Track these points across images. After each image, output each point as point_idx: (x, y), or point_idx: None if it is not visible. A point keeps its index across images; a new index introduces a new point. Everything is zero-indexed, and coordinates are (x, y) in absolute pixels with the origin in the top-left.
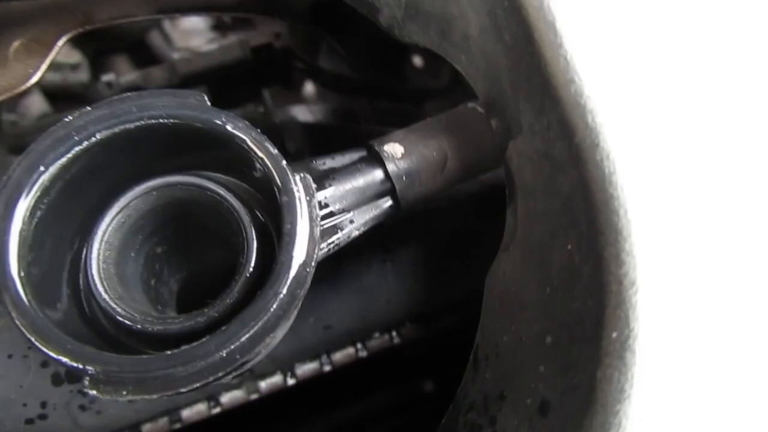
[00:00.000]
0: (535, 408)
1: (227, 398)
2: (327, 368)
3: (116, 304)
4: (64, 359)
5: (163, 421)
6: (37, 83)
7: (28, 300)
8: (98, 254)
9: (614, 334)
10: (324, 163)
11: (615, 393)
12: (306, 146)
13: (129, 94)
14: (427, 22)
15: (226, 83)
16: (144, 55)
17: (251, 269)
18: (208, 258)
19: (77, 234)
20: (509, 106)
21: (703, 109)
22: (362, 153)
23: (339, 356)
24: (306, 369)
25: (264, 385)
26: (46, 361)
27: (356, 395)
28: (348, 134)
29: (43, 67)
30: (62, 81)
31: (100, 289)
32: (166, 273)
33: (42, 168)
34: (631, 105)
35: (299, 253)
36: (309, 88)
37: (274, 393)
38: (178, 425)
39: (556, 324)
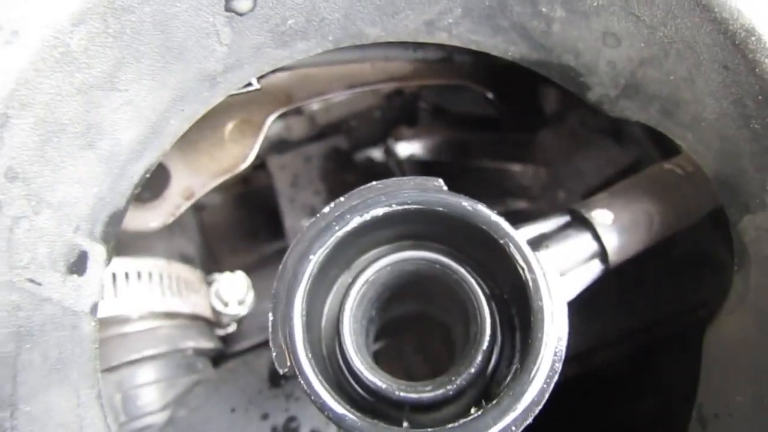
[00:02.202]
0: None
1: None
2: None
3: (373, 375)
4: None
5: None
6: None
7: (315, 375)
8: (349, 329)
9: None
10: (529, 231)
11: None
12: None
13: (374, 183)
14: (647, 102)
15: (360, 126)
16: None
17: (487, 341)
18: (398, 313)
19: (321, 303)
20: (750, 185)
21: None
22: (566, 218)
23: None
24: None
25: None
26: (266, 414)
27: None
28: (466, 169)
29: (257, 146)
30: None
31: (357, 363)
32: (371, 330)
33: (311, 257)
34: None
35: (554, 328)
36: (427, 126)
37: None
38: None
39: None
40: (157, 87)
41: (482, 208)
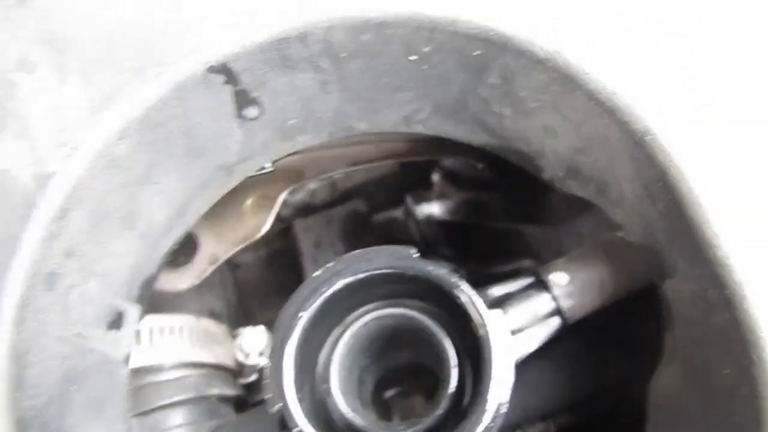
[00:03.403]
0: None
1: None
2: None
3: (355, 416)
4: None
5: None
6: None
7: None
8: (338, 375)
9: None
10: (498, 290)
11: None
12: (443, 239)
13: (357, 252)
14: (586, 182)
15: (378, 191)
16: None
17: (453, 385)
18: (396, 362)
19: (314, 354)
20: (665, 255)
21: None
22: (530, 280)
23: None
24: None
25: None
26: None
27: None
28: (483, 229)
29: (271, 219)
30: None
31: (342, 404)
32: (367, 379)
33: (301, 314)
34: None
35: (501, 373)
36: (442, 187)
37: None
38: None
39: (717, 430)
40: (184, 178)
41: (444, 271)
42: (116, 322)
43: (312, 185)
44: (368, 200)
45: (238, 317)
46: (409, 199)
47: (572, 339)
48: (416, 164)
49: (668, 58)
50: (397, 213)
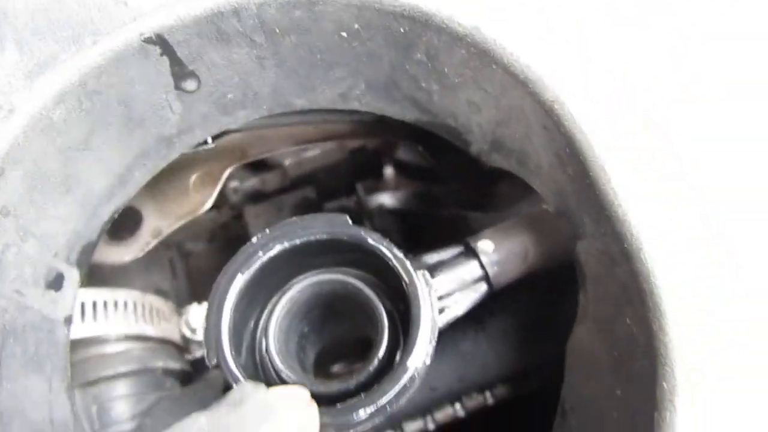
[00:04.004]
0: None
1: None
2: (431, 426)
3: (290, 372)
4: None
5: None
6: None
7: (238, 370)
8: (274, 335)
9: (665, 385)
10: (431, 258)
11: (669, 429)
12: (394, 228)
13: (294, 218)
14: (508, 154)
15: (328, 179)
16: (259, 162)
17: (385, 345)
18: (338, 335)
19: (254, 316)
20: (575, 217)
21: (724, 219)
22: (460, 248)
23: (440, 415)
24: (413, 427)
25: None
26: None
27: None
28: (433, 218)
29: (215, 194)
30: None
31: (278, 361)
32: (307, 347)
33: (238, 275)
34: (663, 216)
35: (425, 331)
36: (394, 178)
37: None
38: None
39: (623, 379)
40: (123, 147)
41: (375, 235)
42: (55, 282)
43: (265, 174)
44: (318, 188)
45: (188, 299)
46: (360, 189)
47: (507, 313)
48: (365, 152)
49: (657, 36)
50: (348, 202)
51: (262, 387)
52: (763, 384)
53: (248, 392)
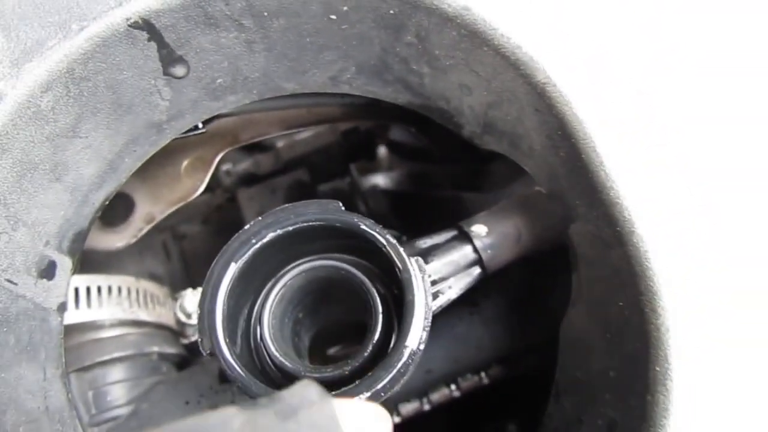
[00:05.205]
0: (605, 427)
1: None
2: (426, 407)
3: (284, 359)
4: None
5: None
6: None
7: (233, 358)
8: (268, 322)
9: (657, 368)
10: (425, 243)
11: (662, 411)
12: (388, 209)
13: (287, 205)
14: (500, 137)
15: (321, 161)
16: (252, 144)
17: (379, 330)
18: (333, 319)
19: (249, 303)
20: (568, 200)
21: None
22: (454, 232)
23: (436, 396)
24: (409, 408)
25: None
26: (215, 405)
27: None
28: (427, 197)
29: (207, 179)
30: None
31: (273, 348)
32: (302, 332)
33: (232, 263)
34: (657, 202)
35: (419, 316)
36: (388, 159)
37: None
38: None
39: (616, 362)
40: (112, 134)
41: (368, 222)
42: (47, 271)
43: (258, 157)
44: (312, 170)
45: (183, 283)
46: (353, 170)
47: (501, 295)
48: (358, 134)
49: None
50: (342, 184)
51: (327, 398)
52: (757, 367)
53: (306, 401)
